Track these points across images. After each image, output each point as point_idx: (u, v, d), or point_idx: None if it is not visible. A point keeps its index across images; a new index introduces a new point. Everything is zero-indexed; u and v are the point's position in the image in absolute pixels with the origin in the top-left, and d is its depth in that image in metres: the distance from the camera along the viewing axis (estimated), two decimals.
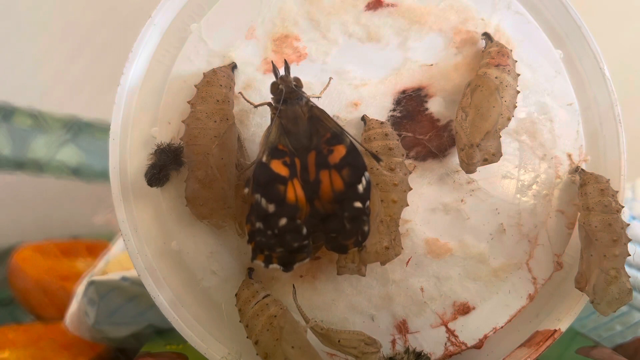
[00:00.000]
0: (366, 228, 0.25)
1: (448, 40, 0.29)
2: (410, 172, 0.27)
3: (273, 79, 0.26)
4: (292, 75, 0.26)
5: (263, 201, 0.24)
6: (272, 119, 0.26)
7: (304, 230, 0.25)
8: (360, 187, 0.25)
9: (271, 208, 0.24)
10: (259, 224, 0.24)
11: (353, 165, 0.25)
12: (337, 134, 0.25)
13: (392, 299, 0.28)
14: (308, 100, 0.26)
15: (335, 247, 0.26)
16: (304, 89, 0.26)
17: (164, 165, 0.27)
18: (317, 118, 0.26)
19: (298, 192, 0.25)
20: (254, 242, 0.24)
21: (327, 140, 0.25)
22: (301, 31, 0.29)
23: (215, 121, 0.27)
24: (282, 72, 0.26)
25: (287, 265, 0.25)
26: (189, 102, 0.27)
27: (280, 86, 0.26)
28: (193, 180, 0.26)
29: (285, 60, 0.26)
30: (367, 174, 0.25)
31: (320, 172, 0.25)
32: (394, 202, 0.26)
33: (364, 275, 0.27)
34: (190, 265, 0.28)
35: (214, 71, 0.28)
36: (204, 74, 0.28)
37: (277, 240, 0.24)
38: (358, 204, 0.24)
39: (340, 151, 0.25)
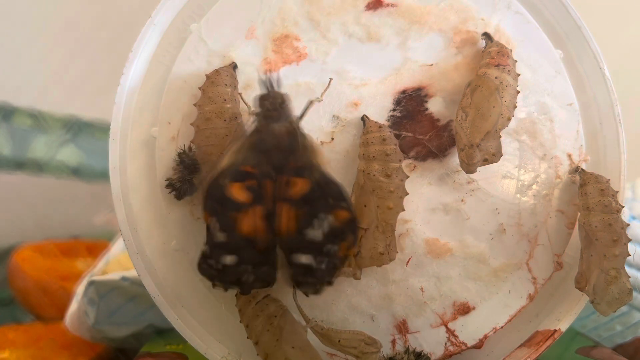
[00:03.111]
0: (311, 291, 0.22)
1: (448, 40, 0.29)
2: (407, 177, 0.27)
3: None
4: (282, 89, 0.25)
5: (217, 226, 0.22)
6: (242, 134, 0.24)
7: (250, 278, 0.22)
8: (318, 233, 0.22)
9: (221, 237, 0.22)
10: (205, 248, 0.22)
11: (312, 205, 0.22)
12: (304, 166, 0.23)
13: (392, 299, 0.28)
14: (292, 121, 0.24)
15: (297, 284, 0.23)
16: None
17: (189, 175, 0.27)
18: (293, 141, 0.24)
19: (258, 223, 0.22)
20: (198, 264, 0.22)
21: (292, 170, 0.23)
22: (301, 31, 0.29)
23: (225, 120, 0.27)
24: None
25: (244, 289, 0.23)
26: (195, 105, 0.27)
27: (266, 102, 0.24)
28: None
29: (278, 74, 0.25)
30: (330, 218, 0.22)
31: (280, 203, 0.23)
32: (389, 208, 0.26)
33: (359, 279, 0.27)
34: (190, 265, 0.28)
35: (217, 71, 0.28)
36: (206, 75, 0.28)
37: (219, 273, 0.22)
38: (304, 259, 0.22)
39: (301, 186, 0.23)
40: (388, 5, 0.29)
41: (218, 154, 0.26)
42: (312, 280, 0.23)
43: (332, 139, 0.28)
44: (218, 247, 0.22)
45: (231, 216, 0.22)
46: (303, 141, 0.24)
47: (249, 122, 0.25)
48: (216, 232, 0.22)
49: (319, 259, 0.22)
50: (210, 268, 0.23)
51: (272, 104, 0.24)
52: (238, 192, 0.23)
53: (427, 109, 0.29)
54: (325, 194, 0.23)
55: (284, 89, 0.25)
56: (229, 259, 0.22)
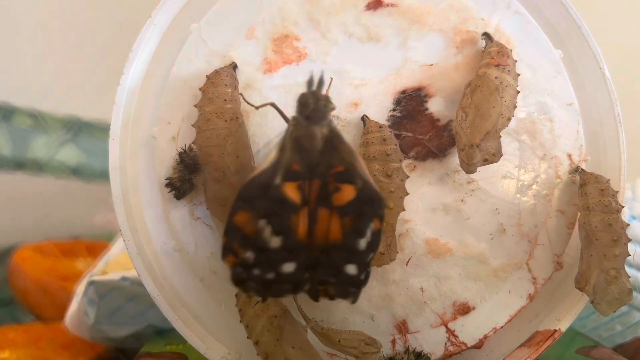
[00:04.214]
0: (351, 300, 0.21)
1: (448, 40, 0.29)
2: (407, 177, 0.27)
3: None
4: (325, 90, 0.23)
5: (268, 230, 0.20)
6: (287, 132, 0.23)
7: (303, 287, 0.21)
8: (363, 243, 0.20)
9: (275, 242, 0.20)
10: (248, 254, 0.20)
11: (362, 214, 0.21)
12: (349, 171, 0.21)
13: (392, 299, 0.28)
14: (331, 122, 0.23)
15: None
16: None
17: (189, 175, 0.27)
18: (334, 145, 0.22)
19: (303, 227, 0.21)
20: (232, 272, 0.20)
21: (337, 175, 0.22)
22: (301, 31, 0.29)
23: (225, 120, 0.27)
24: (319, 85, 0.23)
25: (264, 297, 0.22)
26: (195, 106, 0.27)
27: (310, 101, 0.23)
28: (212, 182, 0.26)
29: (322, 73, 0.23)
30: (373, 226, 0.20)
31: (319, 208, 0.21)
32: (390, 208, 0.26)
33: None
34: (190, 265, 0.28)
35: (217, 72, 0.28)
36: (206, 76, 0.28)
37: (264, 285, 0.21)
38: (351, 269, 0.20)
39: (348, 193, 0.21)
40: (388, 5, 0.29)
41: (219, 154, 0.26)
42: (354, 291, 0.21)
43: None
44: (272, 253, 0.20)
45: (287, 218, 0.20)
46: (342, 142, 0.23)
47: (291, 123, 0.23)
48: (268, 237, 0.20)
49: (361, 268, 0.21)
50: (256, 279, 0.20)
51: (316, 104, 0.23)
52: (292, 192, 0.21)
53: (427, 109, 0.29)
54: (368, 201, 0.21)
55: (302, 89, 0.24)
56: (287, 267, 0.20)
